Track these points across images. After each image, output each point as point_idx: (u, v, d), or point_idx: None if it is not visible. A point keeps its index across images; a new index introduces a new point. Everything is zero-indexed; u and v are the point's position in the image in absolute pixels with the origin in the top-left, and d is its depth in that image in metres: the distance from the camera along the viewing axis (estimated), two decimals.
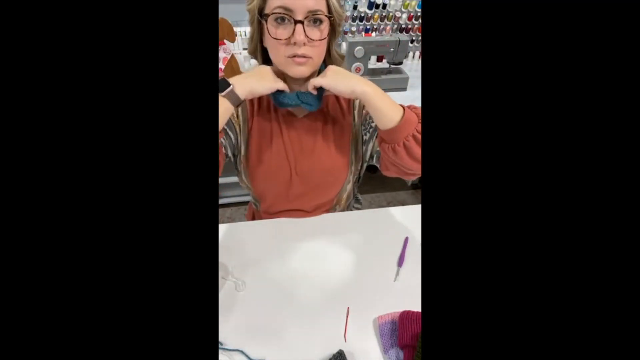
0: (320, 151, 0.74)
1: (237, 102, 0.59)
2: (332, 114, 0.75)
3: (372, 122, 0.73)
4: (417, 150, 0.60)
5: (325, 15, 0.59)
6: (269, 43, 0.62)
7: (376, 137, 0.72)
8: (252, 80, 0.62)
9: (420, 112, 0.62)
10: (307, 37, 0.59)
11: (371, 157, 0.78)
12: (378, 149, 0.71)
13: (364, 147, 0.77)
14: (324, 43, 0.63)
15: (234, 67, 1.47)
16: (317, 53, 0.62)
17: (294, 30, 0.58)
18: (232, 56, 1.46)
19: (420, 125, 0.59)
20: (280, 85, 0.64)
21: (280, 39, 0.59)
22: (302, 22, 0.57)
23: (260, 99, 0.74)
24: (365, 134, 0.76)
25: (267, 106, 0.73)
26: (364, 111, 0.75)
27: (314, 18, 0.58)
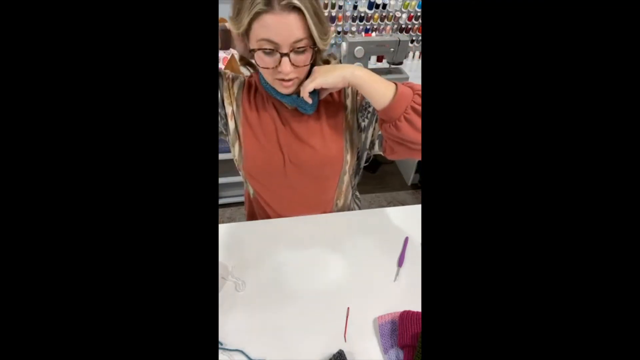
0: (314, 139, 0.75)
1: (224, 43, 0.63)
2: (324, 103, 0.75)
3: (370, 107, 0.73)
4: (419, 121, 0.60)
5: (310, 47, 0.61)
6: (257, 65, 0.65)
7: (376, 121, 0.72)
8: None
9: (413, 85, 0.63)
10: (293, 65, 0.61)
11: (372, 144, 0.78)
12: (380, 132, 0.71)
13: (364, 135, 0.78)
14: (309, 65, 0.65)
15: (234, 67, 1.47)
16: (303, 72, 0.65)
17: (280, 61, 0.60)
18: (232, 56, 1.46)
19: (417, 96, 0.60)
20: None
21: (268, 68, 0.62)
22: (287, 55, 0.59)
23: (256, 89, 0.75)
24: (364, 120, 0.76)
25: (261, 95, 0.74)
26: (358, 97, 0.75)
27: (297, 49, 0.60)
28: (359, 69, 0.62)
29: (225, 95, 0.74)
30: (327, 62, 0.72)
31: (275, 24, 0.56)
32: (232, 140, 0.78)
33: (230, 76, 0.76)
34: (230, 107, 0.75)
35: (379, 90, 0.61)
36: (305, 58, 0.62)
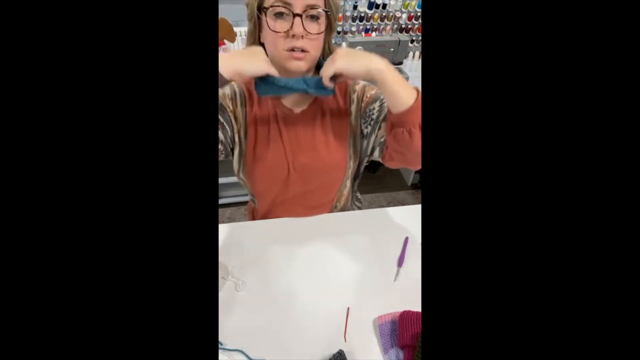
0: (319, 146, 0.74)
1: (220, 81, 0.56)
2: (329, 109, 0.75)
3: (374, 114, 0.72)
4: None
5: (323, 10, 0.60)
6: (267, 37, 0.63)
7: (379, 128, 0.72)
8: (239, 59, 0.58)
9: None
10: (305, 30, 0.59)
11: (372, 151, 0.77)
12: (381, 140, 0.71)
13: (365, 142, 0.77)
14: (322, 37, 0.63)
15: None
16: (315, 47, 0.63)
17: (292, 23, 0.58)
18: None
19: None
20: (272, 70, 0.60)
21: (279, 32, 0.59)
22: (300, 16, 0.58)
23: (258, 96, 0.73)
24: (366, 127, 0.75)
25: (265, 101, 0.73)
26: (362, 104, 0.74)
27: (311, 14, 0.59)
28: (385, 64, 0.58)
29: (233, 121, 0.72)
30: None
31: None
32: (236, 164, 0.77)
33: (229, 94, 0.72)
34: (237, 135, 0.73)
35: (401, 93, 0.58)
36: (318, 26, 0.61)
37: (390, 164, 0.71)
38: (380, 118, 0.70)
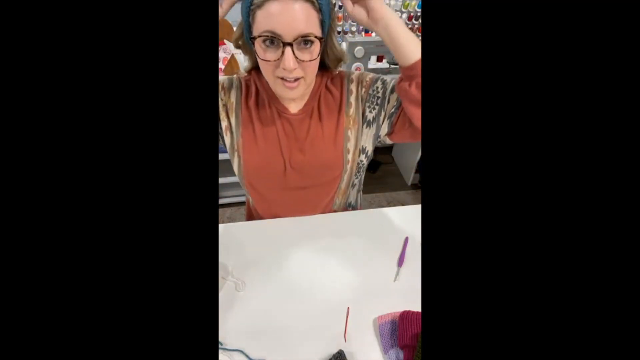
0: (315, 144, 0.74)
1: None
2: (324, 106, 0.74)
3: (379, 93, 0.72)
4: None
5: (316, 37, 0.56)
6: (259, 62, 0.60)
7: (388, 102, 0.71)
8: None
9: None
10: (297, 59, 0.56)
11: (378, 136, 0.75)
12: (392, 111, 0.70)
13: (370, 129, 0.75)
14: (316, 61, 0.60)
15: (234, 67, 1.47)
16: (310, 71, 0.60)
17: (282, 52, 0.55)
18: (232, 56, 1.46)
19: None
20: None
21: (269, 61, 0.56)
22: (290, 44, 0.54)
23: (257, 91, 0.73)
24: (371, 111, 0.73)
25: (262, 101, 0.73)
26: (363, 90, 0.73)
27: (304, 41, 0.55)
28: (394, 19, 0.56)
29: (221, 110, 0.72)
30: (339, 60, 0.70)
31: (278, 13, 0.52)
32: (230, 154, 0.77)
33: (225, 85, 0.73)
34: (225, 121, 0.73)
35: (406, 43, 0.56)
36: (311, 54, 0.57)
37: (401, 134, 0.71)
38: (387, 92, 0.70)
